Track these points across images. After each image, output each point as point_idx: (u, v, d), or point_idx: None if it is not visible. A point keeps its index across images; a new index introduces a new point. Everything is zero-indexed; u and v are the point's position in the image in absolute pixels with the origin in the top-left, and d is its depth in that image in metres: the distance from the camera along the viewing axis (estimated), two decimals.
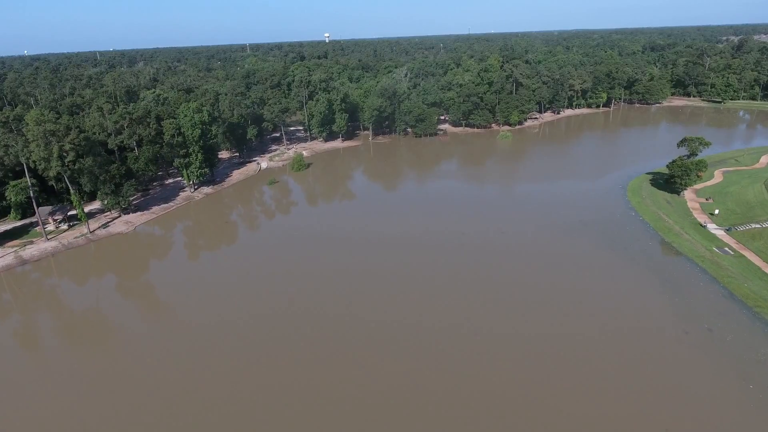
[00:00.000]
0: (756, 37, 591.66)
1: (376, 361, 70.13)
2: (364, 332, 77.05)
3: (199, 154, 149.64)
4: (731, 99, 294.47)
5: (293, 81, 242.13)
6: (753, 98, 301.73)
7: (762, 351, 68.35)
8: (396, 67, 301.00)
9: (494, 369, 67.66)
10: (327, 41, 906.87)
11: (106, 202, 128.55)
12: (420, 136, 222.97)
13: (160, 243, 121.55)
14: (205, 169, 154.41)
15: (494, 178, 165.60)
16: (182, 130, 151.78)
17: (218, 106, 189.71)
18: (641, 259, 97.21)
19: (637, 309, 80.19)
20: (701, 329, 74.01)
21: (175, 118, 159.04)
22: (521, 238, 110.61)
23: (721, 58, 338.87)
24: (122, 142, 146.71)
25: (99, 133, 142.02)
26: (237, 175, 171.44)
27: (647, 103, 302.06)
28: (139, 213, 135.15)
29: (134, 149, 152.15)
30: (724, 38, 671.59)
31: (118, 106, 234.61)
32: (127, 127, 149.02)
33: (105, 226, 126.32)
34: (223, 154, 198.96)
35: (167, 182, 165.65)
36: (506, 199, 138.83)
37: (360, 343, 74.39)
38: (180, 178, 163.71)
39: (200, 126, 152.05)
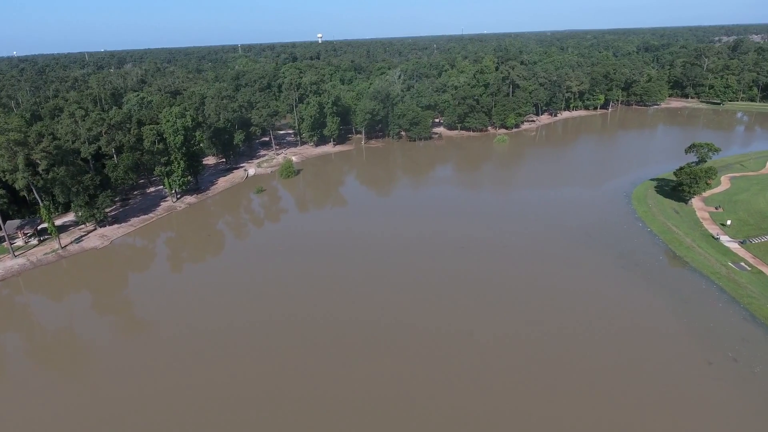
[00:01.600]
0: (749, 37, 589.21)
1: (367, 369, 65.48)
2: (356, 341, 70.74)
3: (182, 162, 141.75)
4: (730, 100, 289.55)
5: (284, 83, 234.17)
6: (752, 99, 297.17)
7: None
8: (389, 69, 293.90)
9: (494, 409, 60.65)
10: (320, 42, 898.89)
11: (80, 214, 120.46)
12: (414, 140, 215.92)
13: (138, 259, 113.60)
14: (188, 177, 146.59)
15: (491, 184, 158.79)
16: (164, 136, 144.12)
17: (204, 110, 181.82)
18: (655, 277, 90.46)
19: (656, 335, 73.35)
20: (725, 359, 67.24)
21: (157, 123, 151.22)
22: (523, 250, 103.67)
23: (719, 58, 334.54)
24: (99, 149, 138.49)
25: (73, 141, 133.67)
26: (223, 182, 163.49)
27: (645, 105, 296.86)
28: (116, 225, 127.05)
29: (113, 156, 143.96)
30: (716, 38, 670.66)
31: (103, 109, 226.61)
32: (105, 133, 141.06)
33: (78, 240, 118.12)
34: (209, 160, 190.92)
35: (149, 191, 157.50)
36: (505, 207, 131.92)
37: (351, 353, 67.40)
38: (163, 187, 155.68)
39: (183, 131, 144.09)
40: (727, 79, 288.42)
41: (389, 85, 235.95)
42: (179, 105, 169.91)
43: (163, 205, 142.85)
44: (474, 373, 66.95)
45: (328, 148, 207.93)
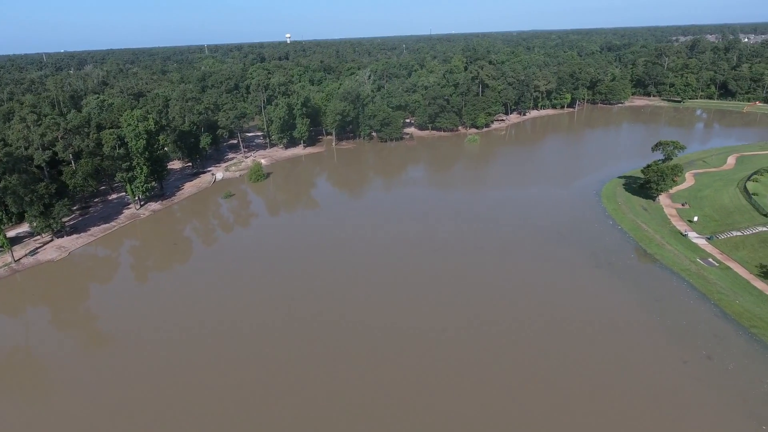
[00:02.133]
0: (705, 37, 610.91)
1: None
2: (332, 347, 67.78)
3: (145, 167, 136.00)
4: (690, 98, 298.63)
5: (252, 84, 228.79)
6: (710, 97, 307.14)
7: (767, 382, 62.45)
8: (359, 69, 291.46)
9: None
10: (288, 42, 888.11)
11: (34, 225, 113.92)
12: (385, 141, 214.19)
13: (99, 270, 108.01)
14: (153, 183, 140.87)
15: (464, 185, 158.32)
16: (125, 141, 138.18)
17: (168, 113, 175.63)
18: (627, 275, 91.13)
19: (631, 334, 73.52)
20: (700, 357, 67.79)
21: (118, 127, 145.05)
22: (497, 251, 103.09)
23: (678, 57, 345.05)
24: (55, 155, 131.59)
25: (26, 147, 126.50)
26: (189, 188, 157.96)
27: (610, 103, 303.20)
28: (75, 236, 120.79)
29: (71, 163, 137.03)
30: (674, 38, 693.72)
31: (62, 113, 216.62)
32: (61, 138, 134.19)
33: (33, 252, 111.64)
34: (175, 165, 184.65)
35: (111, 198, 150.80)
36: (478, 208, 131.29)
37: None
38: (125, 193, 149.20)
39: (145, 135, 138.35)
40: (686, 77, 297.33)
41: (359, 85, 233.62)
42: (142, 108, 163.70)
43: (126, 212, 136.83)
44: (449, 371, 65.63)
45: (299, 151, 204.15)
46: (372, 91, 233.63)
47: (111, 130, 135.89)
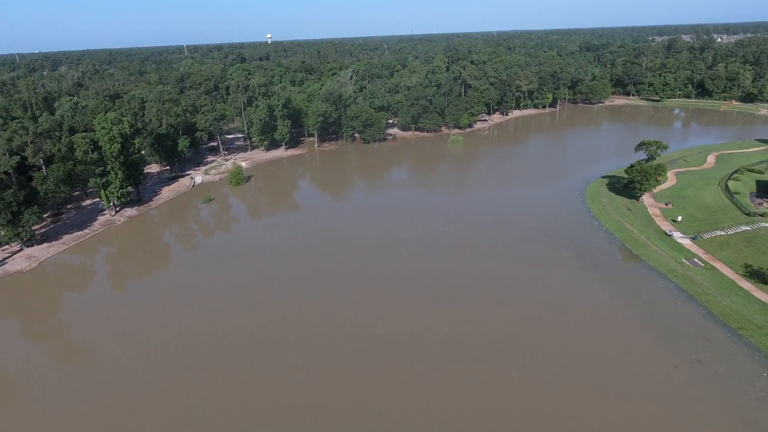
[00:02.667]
0: (681, 37, 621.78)
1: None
2: (311, 356, 65.09)
3: (120, 172, 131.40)
4: (668, 97, 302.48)
5: (231, 85, 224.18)
6: (687, 96, 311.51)
7: (758, 385, 61.90)
8: (340, 69, 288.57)
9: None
10: (269, 42, 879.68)
11: (2, 234, 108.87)
12: (368, 142, 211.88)
13: (71, 280, 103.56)
14: (128, 188, 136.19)
15: (448, 186, 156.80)
16: (99, 144, 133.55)
17: (144, 115, 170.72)
18: (615, 277, 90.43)
19: (620, 339, 72.54)
20: (690, 361, 66.98)
21: (92, 131, 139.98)
22: (483, 253, 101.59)
23: (656, 57, 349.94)
24: (24, 160, 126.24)
25: None
26: (167, 192, 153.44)
27: (590, 103, 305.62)
28: (46, 245, 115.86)
29: (42, 168, 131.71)
30: (650, 38, 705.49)
31: (35, 115, 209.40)
32: (31, 142, 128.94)
33: (1, 263, 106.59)
34: (153, 168, 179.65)
35: (85, 204, 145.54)
36: (463, 209, 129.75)
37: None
38: (100, 199, 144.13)
39: (120, 139, 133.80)
40: (665, 77, 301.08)
41: (341, 86, 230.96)
42: (117, 110, 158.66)
43: (101, 219, 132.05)
44: (433, 376, 63.63)
45: (280, 153, 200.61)
46: (354, 91, 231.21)
47: (84, 134, 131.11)
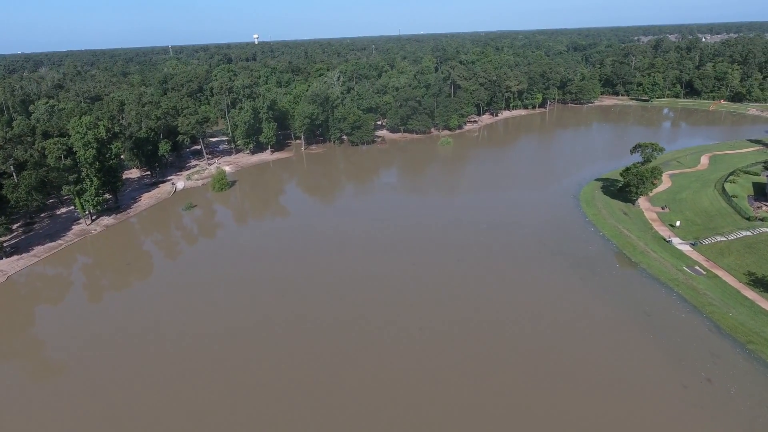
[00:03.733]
0: (667, 37, 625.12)
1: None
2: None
3: (95, 179, 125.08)
4: (657, 97, 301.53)
5: (214, 87, 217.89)
6: (676, 96, 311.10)
7: None
8: (328, 70, 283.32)
9: None
10: (256, 43, 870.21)
11: None
12: (356, 144, 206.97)
13: (42, 296, 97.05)
14: (104, 196, 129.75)
15: (439, 190, 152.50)
16: (74, 150, 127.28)
17: (122, 118, 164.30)
18: (615, 288, 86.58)
19: (625, 356, 68.53)
20: (700, 380, 63.15)
21: (67, 136, 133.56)
22: (477, 263, 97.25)
23: (644, 57, 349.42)
24: None
25: None
26: (147, 199, 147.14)
27: (580, 103, 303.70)
28: (15, 257, 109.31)
29: (12, 175, 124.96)
30: (636, 38, 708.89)
31: (11, 118, 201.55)
32: (0, 148, 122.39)
33: None
34: (132, 174, 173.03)
35: (60, 212, 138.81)
36: (454, 215, 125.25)
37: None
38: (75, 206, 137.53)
39: (95, 144, 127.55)
40: (654, 77, 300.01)
41: (328, 87, 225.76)
42: (94, 113, 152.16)
43: (75, 228, 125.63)
44: (423, 398, 59.06)
45: (266, 156, 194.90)
46: (341, 93, 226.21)
47: (56, 139, 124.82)
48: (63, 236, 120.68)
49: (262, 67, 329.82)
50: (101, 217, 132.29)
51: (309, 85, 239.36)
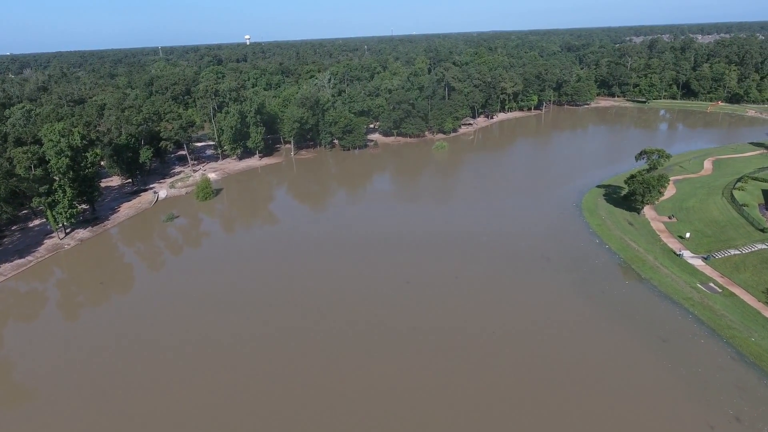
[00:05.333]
0: (662, 37, 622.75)
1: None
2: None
3: (69, 189, 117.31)
4: (654, 98, 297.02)
5: (198, 90, 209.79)
6: (673, 97, 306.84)
7: None
8: (319, 71, 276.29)
9: None
10: (248, 43, 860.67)
11: None
12: (348, 149, 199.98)
13: (6, 319, 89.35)
14: (78, 208, 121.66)
15: (434, 198, 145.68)
16: (47, 159, 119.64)
17: (100, 124, 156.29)
18: (625, 308, 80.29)
19: (642, 389, 62.27)
20: (727, 419, 56.94)
21: (40, 143, 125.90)
22: (479, 281, 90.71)
23: (640, 57, 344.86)
24: None
25: None
26: (126, 209, 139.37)
27: (576, 105, 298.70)
28: None
29: None
30: (628, 38, 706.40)
31: None
32: None
33: None
34: (113, 182, 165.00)
35: (33, 224, 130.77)
36: (451, 227, 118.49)
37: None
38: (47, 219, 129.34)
39: (69, 152, 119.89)
40: (651, 78, 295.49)
41: (318, 89, 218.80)
42: (68, 119, 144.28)
43: (48, 243, 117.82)
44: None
45: (254, 162, 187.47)
46: (332, 95, 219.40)
47: (25, 148, 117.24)
48: (33, 252, 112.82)
49: (252, 68, 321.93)
50: (76, 230, 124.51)
51: (299, 88, 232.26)
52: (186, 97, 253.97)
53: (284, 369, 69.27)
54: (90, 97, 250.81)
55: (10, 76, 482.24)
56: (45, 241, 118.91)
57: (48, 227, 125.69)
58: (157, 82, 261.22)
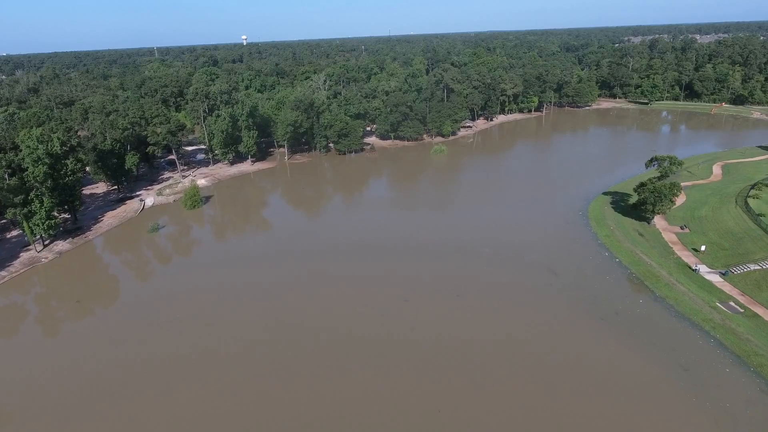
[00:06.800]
0: (662, 36, 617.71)
1: None
2: None
3: (46, 199, 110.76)
4: (657, 100, 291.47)
5: (189, 92, 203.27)
6: (675, 99, 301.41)
7: None
8: (314, 73, 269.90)
9: None
10: (244, 44, 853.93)
11: None
12: (344, 153, 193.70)
13: None
14: (56, 219, 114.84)
15: (433, 205, 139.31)
16: (24, 167, 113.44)
17: (80, 129, 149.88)
18: (641, 331, 74.13)
19: (670, 428, 56.00)
20: None
21: (17, 150, 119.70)
22: (481, 299, 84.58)
23: (641, 58, 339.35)
24: None
25: None
26: (110, 218, 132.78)
27: (577, 106, 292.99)
28: None
29: None
30: (626, 38, 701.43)
31: None
32: None
33: None
34: (99, 188, 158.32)
35: (10, 235, 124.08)
36: (451, 235, 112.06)
37: None
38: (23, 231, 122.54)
39: (48, 160, 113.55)
40: (653, 79, 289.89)
41: (313, 91, 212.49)
42: (48, 124, 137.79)
43: (23, 256, 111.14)
44: None
45: (246, 167, 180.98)
46: (328, 97, 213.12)
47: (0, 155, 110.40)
48: (8, 266, 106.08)
49: (247, 69, 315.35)
50: (55, 242, 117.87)
51: (294, 89, 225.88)
52: (179, 99, 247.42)
53: (274, 393, 63.02)
54: (80, 99, 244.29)
55: (1, 77, 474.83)
56: (21, 254, 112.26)
57: (26, 239, 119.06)
58: (147, 84, 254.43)
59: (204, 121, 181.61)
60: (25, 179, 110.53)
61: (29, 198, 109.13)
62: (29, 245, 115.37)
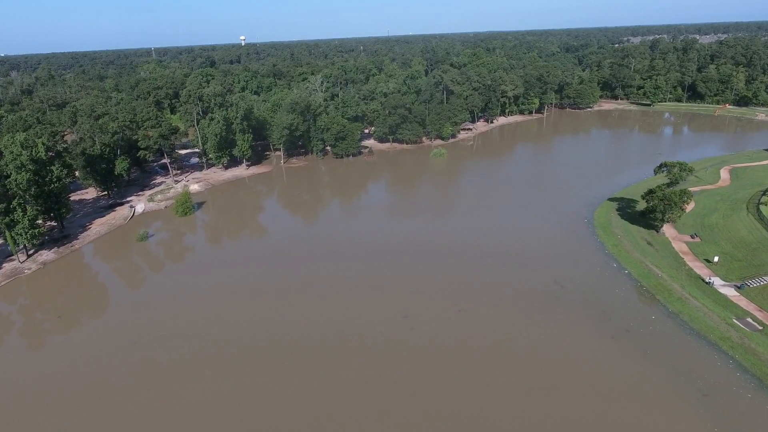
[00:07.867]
0: (663, 37, 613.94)
1: None
2: None
3: (29, 207, 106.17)
4: (659, 101, 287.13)
5: (182, 95, 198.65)
6: (678, 100, 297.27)
7: None
8: (312, 74, 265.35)
9: None
10: (242, 45, 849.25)
11: None
12: (341, 157, 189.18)
13: None
14: (40, 228, 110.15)
15: (433, 213, 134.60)
16: (7, 174, 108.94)
17: (68, 133, 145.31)
18: (655, 351, 69.69)
19: None
20: None
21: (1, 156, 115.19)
22: (484, 317, 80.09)
23: (643, 58, 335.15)
24: None
25: None
26: (98, 226, 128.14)
27: (578, 108, 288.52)
28: None
29: None
30: (625, 39, 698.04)
31: None
32: None
33: None
34: (89, 194, 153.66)
35: None
36: (452, 246, 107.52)
37: None
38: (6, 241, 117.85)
39: (32, 167, 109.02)
40: (656, 80, 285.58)
41: (310, 93, 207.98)
42: (33, 128, 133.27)
43: (6, 267, 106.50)
44: None
45: (241, 171, 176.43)
46: (325, 99, 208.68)
47: None
48: None
49: (243, 71, 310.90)
50: (40, 251, 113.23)
51: (290, 91, 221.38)
52: (174, 101, 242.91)
53: (270, 401, 58.53)
54: (73, 101, 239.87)
55: None
56: (3, 264, 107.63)
57: (8, 248, 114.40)
58: (141, 85, 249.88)
59: (197, 124, 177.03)
60: (8, 186, 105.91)
61: (11, 206, 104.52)
62: (12, 255, 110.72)
